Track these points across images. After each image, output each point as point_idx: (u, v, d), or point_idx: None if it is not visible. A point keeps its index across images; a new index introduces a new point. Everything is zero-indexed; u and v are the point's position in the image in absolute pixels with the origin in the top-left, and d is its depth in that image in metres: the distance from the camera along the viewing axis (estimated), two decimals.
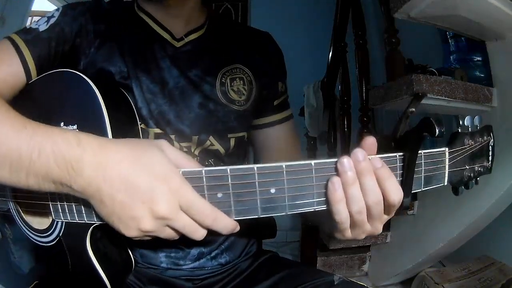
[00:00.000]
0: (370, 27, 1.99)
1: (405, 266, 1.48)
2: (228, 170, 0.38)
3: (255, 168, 0.38)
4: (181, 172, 0.39)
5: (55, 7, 0.60)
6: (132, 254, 0.59)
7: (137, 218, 0.38)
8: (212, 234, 0.41)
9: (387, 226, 1.65)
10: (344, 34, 2.00)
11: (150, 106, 0.60)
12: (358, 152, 0.38)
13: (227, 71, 0.66)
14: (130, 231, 0.39)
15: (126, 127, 0.54)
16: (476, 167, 0.46)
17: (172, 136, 0.61)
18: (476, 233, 1.33)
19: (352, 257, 1.71)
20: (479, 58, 1.37)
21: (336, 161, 0.39)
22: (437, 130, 0.37)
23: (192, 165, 0.42)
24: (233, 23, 0.78)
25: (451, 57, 1.49)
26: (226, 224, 0.40)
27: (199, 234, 0.40)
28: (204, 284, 0.65)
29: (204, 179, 0.39)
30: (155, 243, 0.63)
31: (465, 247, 1.40)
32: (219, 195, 0.39)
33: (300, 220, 2.03)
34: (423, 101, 1.14)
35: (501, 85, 1.21)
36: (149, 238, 0.41)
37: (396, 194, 0.39)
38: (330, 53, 2.08)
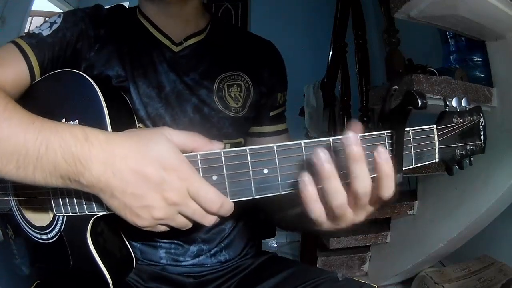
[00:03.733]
0: (370, 27, 1.99)
1: (405, 266, 1.48)
2: (222, 152, 0.40)
3: (248, 150, 0.40)
4: None
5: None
6: (132, 252, 0.59)
7: (149, 206, 0.39)
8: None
9: (387, 226, 1.65)
10: (344, 34, 2.00)
11: (147, 109, 0.61)
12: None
13: (225, 77, 0.66)
14: (143, 221, 0.40)
15: (125, 124, 0.55)
16: (468, 146, 0.46)
17: None
18: (476, 233, 1.33)
19: (352, 257, 1.71)
20: (479, 58, 1.37)
21: (327, 139, 0.40)
22: (419, 102, 0.38)
23: (199, 142, 0.42)
24: (236, 29, 0.77)
25: (451, 57, 1.49)
26: (230, 209, 0.41)
27: (208, 219, 0.41)
28: (204, 280, 0.66)
29: (199, 162, 0.40)
30: (160, 234, 0.63)
31: (465, 247, 1.40)
32: (214, 177, 0.40)
33: None
34: None
35: (501, 85, 1.21)
36: (163, 228, 0.42)
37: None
38: (330, 53, 2.08)
